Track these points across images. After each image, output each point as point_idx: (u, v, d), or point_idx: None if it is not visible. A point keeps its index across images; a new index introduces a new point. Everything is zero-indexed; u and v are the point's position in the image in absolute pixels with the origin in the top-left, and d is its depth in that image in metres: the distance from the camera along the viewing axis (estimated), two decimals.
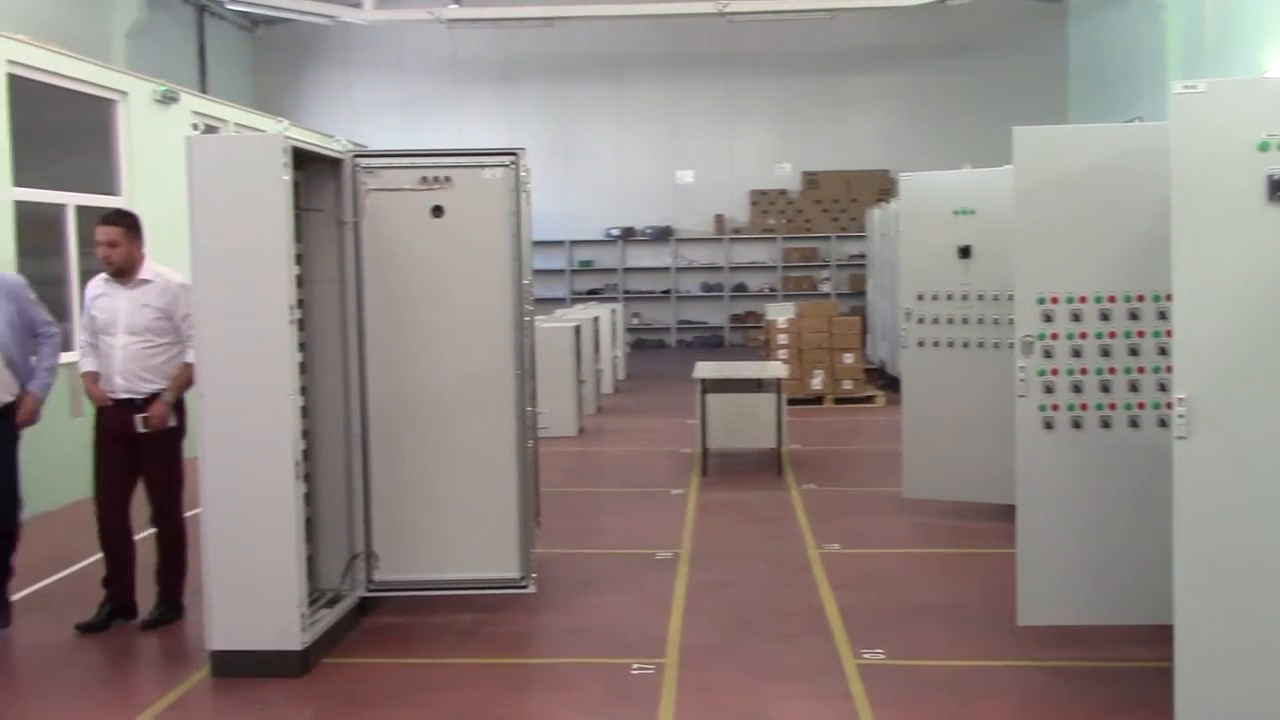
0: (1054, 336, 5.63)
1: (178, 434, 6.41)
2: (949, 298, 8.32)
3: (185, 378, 6.25)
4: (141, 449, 6.31)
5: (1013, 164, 5.69)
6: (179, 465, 6.46)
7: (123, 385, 6.23)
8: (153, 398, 6.25)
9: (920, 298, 8.42)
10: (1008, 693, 5.39)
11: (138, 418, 6.23)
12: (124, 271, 6.26)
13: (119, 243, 6.22)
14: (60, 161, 10.73)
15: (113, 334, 6.22)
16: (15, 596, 6.68)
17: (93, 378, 6.31)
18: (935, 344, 8.39)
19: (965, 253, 8.22)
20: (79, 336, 6.54)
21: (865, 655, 5.78)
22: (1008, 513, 7.78)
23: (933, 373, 8.42)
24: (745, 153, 22.35)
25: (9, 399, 6.16)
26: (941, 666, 5.68)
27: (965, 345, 8.29)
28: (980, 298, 8.21)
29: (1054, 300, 5.62)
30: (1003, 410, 7.02)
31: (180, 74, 16.04)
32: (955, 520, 8.41)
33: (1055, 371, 5.64)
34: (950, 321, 8.33)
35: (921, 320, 8.43)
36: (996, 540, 7.69)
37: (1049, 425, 5.65)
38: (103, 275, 6.33)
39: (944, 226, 8.26)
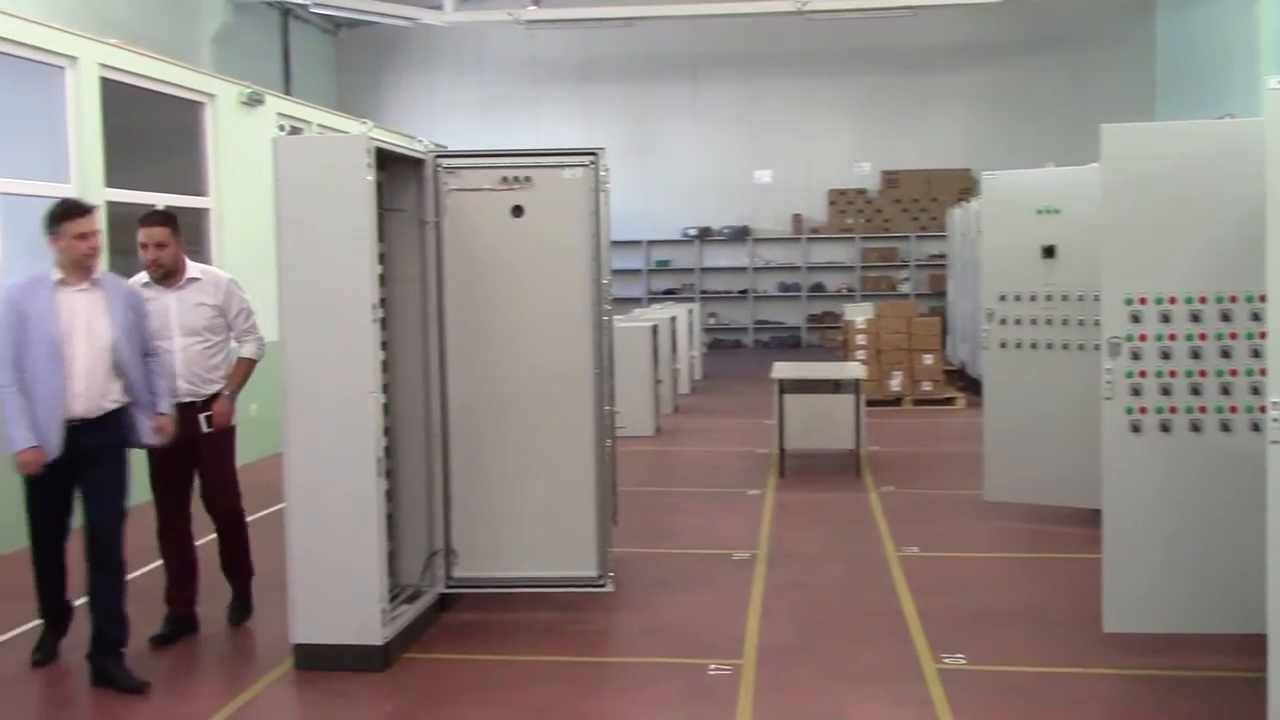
0: (1142, 338, 5.52)
1: (233, 431, 6.40)
2: (1032, 298, 8.19)
3: (244, 373, 6.30)
4: (200, 450, 6.18)
5: (1100, 162, 5.59)
6: (235, 463, 6.48)
7: (186, 389, 6.06)
8: (212, 398, 6.17)
9: (1003, 298, 8.31)
10: (1092, 701, 5.29)
11: (202, 418, 6.11)
12: (171, 273, 6.11)
13: (167, 243, 6.06)
14: (150, 163, 10.96)
15: (167, 337, 5.98)
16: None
17: None
18: (1018, 345, 8.27)
19: (1049, 252, 8.09)
20: None
21: (945, 660, 5.71)
22: (1091, 517, 7.65)
23: (1015, 374, 8.30)
24: (823, 152, 22.20)
25: (111, 407, 5.56)
26: (1023, 673, 5.59)
27: (1049, 346, 8.16)
28: (1064, 298, 8.08)
29: (1142, 301, 5.51)
30: (1087, 413, 6.91)
31: (265, 77, 16.32)
32: (1037, 524, 8.28)
33: (1143, 374, 5.53)
34: (1034, 322, 8.20)
35: (1004, 321, 8.31)
36: (1080, 545, 7.55)
37: (1136, 429, 5.54)
38: (142, 278, 6.07)
39: (1027, 226, 8.13)
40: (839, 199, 22.15)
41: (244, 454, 11.51)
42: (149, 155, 11.04)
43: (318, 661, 5.61)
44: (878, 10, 19.62)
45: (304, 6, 18.28)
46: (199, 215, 11.43)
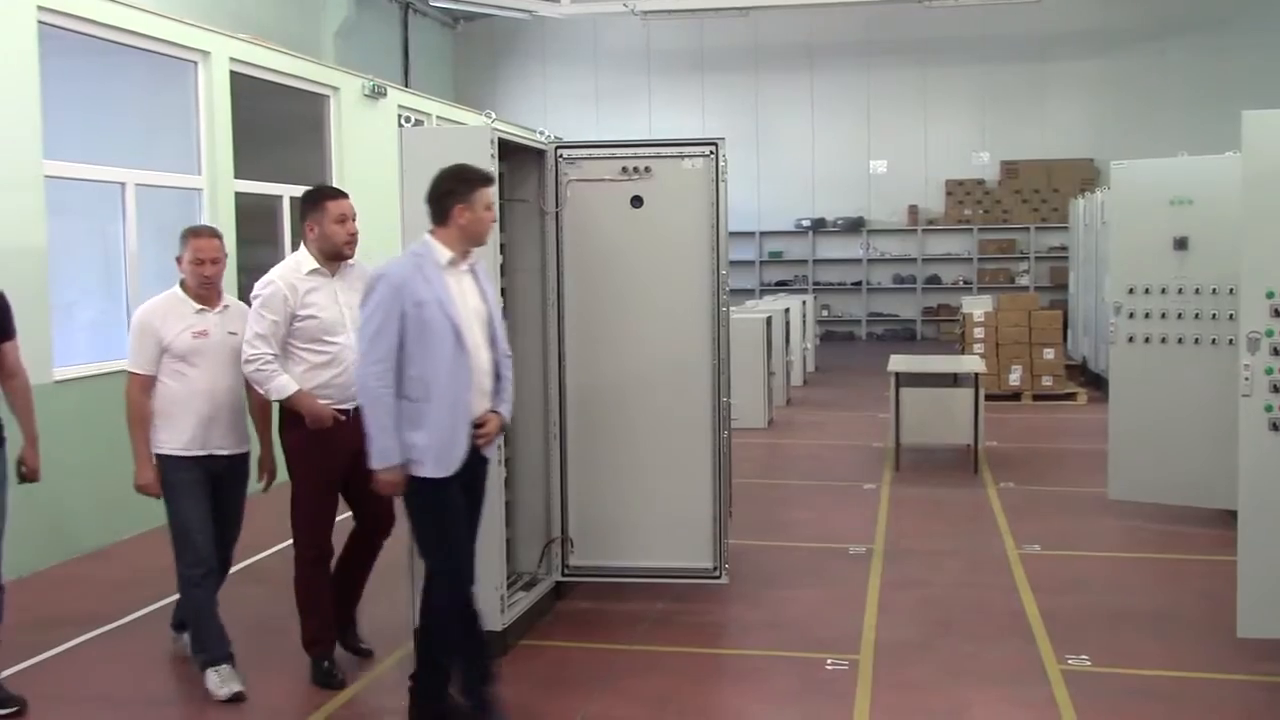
0: None
1: None
2: (1163, 291, 7.96)
3: None
4: (358, 461, 5.21)
5: (1241, 150, 5.39)
6: None
7: None
8: None
9: (1131, 291, 8.08)
10: (1224, 708, 5.13)
11: None
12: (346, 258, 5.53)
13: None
14: (276, 155, 11.23)
15: (339, 334, 5.39)
16: (236, 569, 7.00)
17: (307, 395, 5.31)
18: (1147, 340, 8.04)
19: (1182, 244, 7.85)
20: (251, 349, 5.27)
21: (1070, 661, 5.58)
22: (1223, 518, 7.42)
23: (1144, 370, 8.07)
24: (940, 142, 21.83)
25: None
26: (1152, 676, 5.44)
27: (1180, 341, 7.91)
28: (1197, 291, 7.83)
29: None
30: (1221, 410, 6.70)
31: (385, 70, 16.61)
32: (1165, 524, 8.05)
33: None
34: (1164, 316, 7.96)
35: (1132, 315, 8.08)
36: (1211, 546, 7.33)
37: (1276, 426, 5.34)
38: (308, 268, 5.40)
39: (1159, 217, 7.90)
40: (956, 189, 21.77)
41: None
42: (275, 147, 11.31)
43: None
44: None
45: (424, 1, 18.54)
46: None
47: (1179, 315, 7.92)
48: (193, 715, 5.26)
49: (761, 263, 22.46)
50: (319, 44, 15.97)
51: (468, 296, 4.71)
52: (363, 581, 5.86)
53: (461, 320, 4.58)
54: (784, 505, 9.07)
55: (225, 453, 5.39)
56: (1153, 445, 7.98)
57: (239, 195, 10.03)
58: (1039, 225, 21.41)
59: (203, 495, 5.32)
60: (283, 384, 5.28)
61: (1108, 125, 20.76)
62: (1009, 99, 21.53)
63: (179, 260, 5.44)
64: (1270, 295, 5.32)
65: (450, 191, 4.69)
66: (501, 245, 5.96)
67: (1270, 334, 5.32)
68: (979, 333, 14.38)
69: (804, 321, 16.60)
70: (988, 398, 11.63)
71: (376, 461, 4.58)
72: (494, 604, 5.61)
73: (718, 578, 6.38)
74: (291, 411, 5.36)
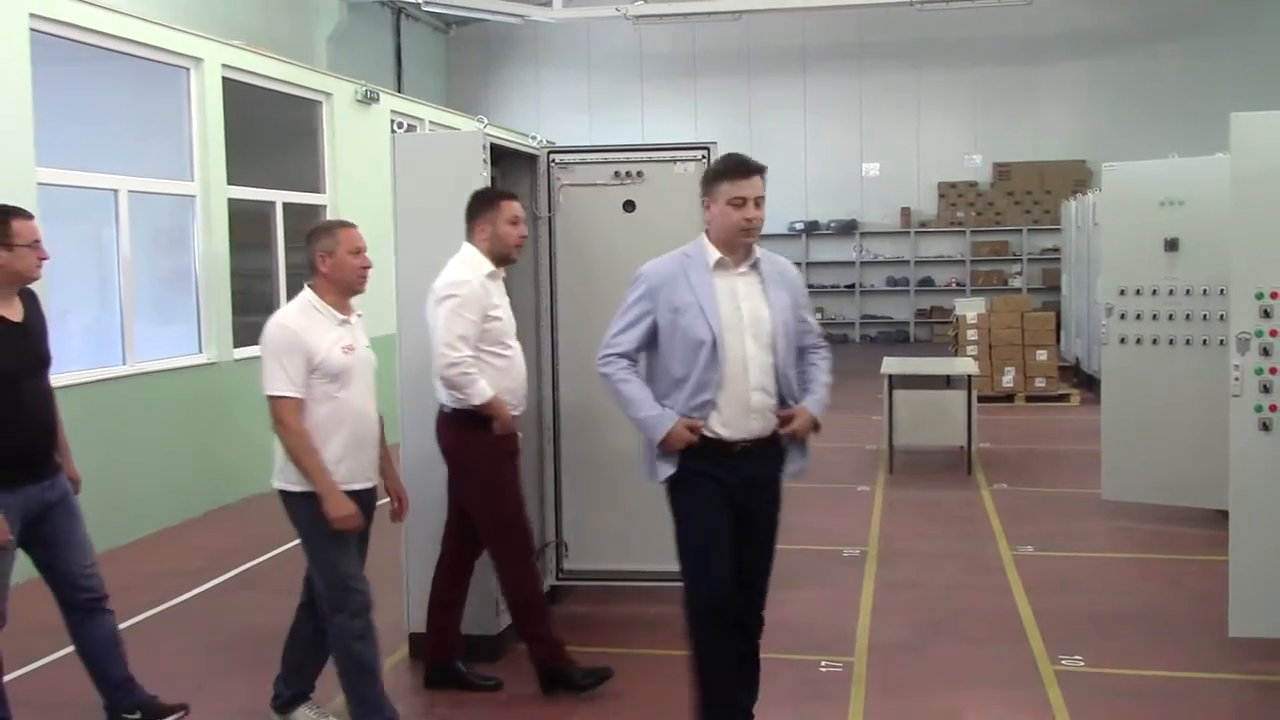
0: (1273, 333, 5.35)
1: None
2: (1154, 292, 8.00)
3: None
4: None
5: (1230, 151, 5.42)
6: None
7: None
8: None
9: (1122, 292, 8.11)
10: (1218, 707, 5.15)
11: None
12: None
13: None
14: (269, 161, 11.23)
15: (513, 338, 5.30)
16: (230, 575, 7.01)
17: (500, 399, 5.12)
18: (1138, 341, 8.07)
19: (1172, 245, 7.88)
20: (454, 352, 5.00)
21: (1063, 662, 5.60)
22: (1214, 518, 7.45)
23: (1135, 370, 8.10)
24: (933, 144, 21.85)
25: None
26: (1145, 676, 5.46)
27: (1171, 342, 7.95)
28: (1188, 292, 7.87)
29: (1274, 295, 5.34)
30: (1212, 410, 6.73)
31: (378, 75, 16.61)
32: (1158, 524, 8.07)
33: (1274, 370, 5.35)
34: (1155, 317, 8.00)
35: (1124, 316, 8.12)
36: (1203, 546, 7.35)
37: (1266, 427, 5.37)
38: (485, 271, 5.17)
39: (1149, 218, 7.94)
40: (949, 192, 21.79)
41: None
42: (268, 154, 11.32)
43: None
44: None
45: (416, 5, 18.55)
46: (316, 212, 11.69)
47: (1170, 316, 7.95)
48: None
49: None
50: (311, 50, 15.96)
51: (740, 300, 4.22)
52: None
53: (723, 327, 4.17)
54: None
55: (368, 486, 4.74)
56: (1145, 446, 8.01)
57: (232, 202, 10.03)
58: (1031, 227, 21.44)
59: (354, 535, 4.65)
60: (483, 388, 5.02)
61: (1099, 127, 20.79)
62: (1001, 101, 21.56)
63: (322, 257, 4.64)
64: (1259, 296, 5.35)
65: (706, 185, 4.31)
66: None
67: (1259, 334, 5.35)
68: (972, 334, 14.42)
69: None
70: (981, 399, 11.66)
71: (658, 430, 4.18)
72: (488, 609, 5.62)
73: None
74: (475, 419, 5.10)
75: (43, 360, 4.71)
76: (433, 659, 5.50)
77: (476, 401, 5.03)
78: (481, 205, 5.25)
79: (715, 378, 4.15)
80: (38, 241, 4.60)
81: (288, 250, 11.04)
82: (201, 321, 9.73)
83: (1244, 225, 5.37)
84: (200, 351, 9.67)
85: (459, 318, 4.98)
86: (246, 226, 10.46)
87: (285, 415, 4.45)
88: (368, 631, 4.65)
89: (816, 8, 19.74)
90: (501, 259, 5.25)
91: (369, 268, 4.69)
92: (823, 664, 5.62)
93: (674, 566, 6.25)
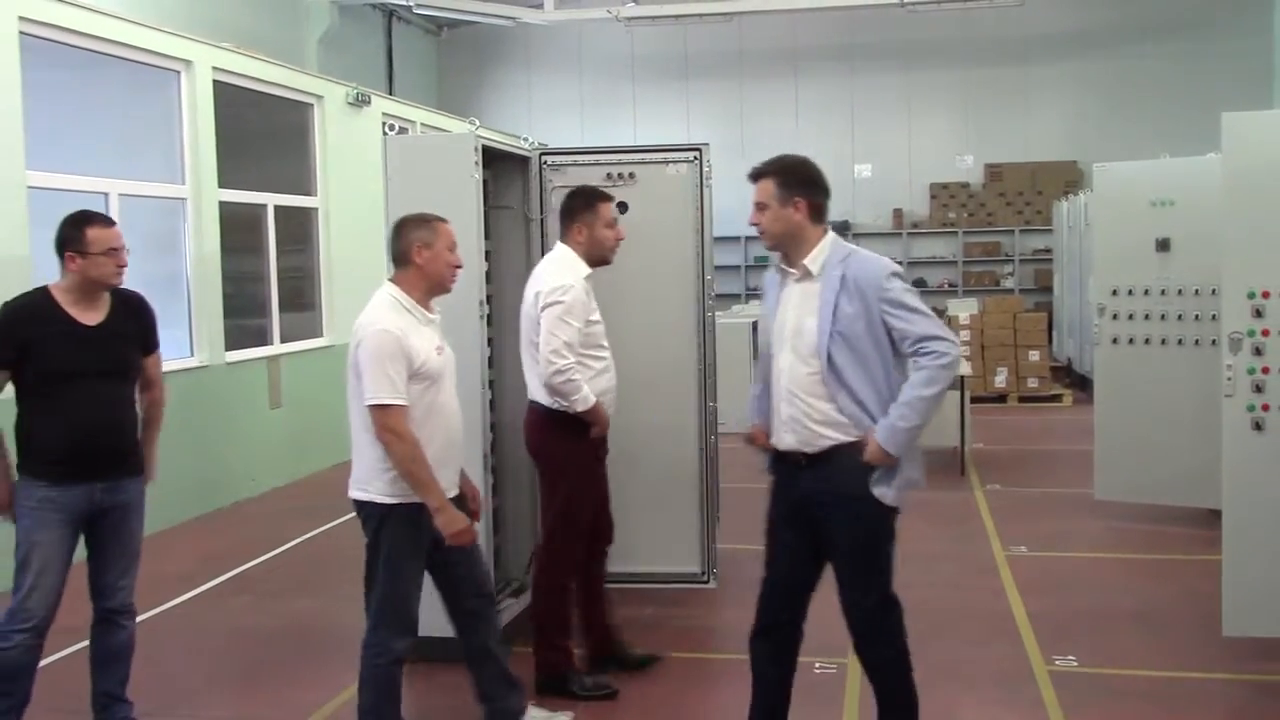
0: (1265, 333, 5.34)
1: None
2: (1145, 292, 8.01)
3: None
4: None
5: (1222, 151, 5.43)
6: None
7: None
8: None
9: (1114, 293, 8.12)
10: (1212, 706, 5.16)
11: None
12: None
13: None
14: (260, 164, 11.21)
15: (606, 341, 5.33)
16: (222, 579, 6.99)
17: (600, 403, 5.17)
18: (1130, 341, 8.08)
19: (1164, 245, 7.89)
20: (561, 360, 5.00)
21: (1057, 662, 5.60)
22: (1207, 518, 7.45)
23: (1128, 370, 8.11)
24: (925, 145, 21.88)
25: (845, 439, 4.10)
26: (1138, 676, 5.46)
27: (1163, 342, 7.96)
28: (1180, 292, 7.88)
29: (1265, 295, 5.33)
30: (1204, 410, 6.74)
31: (369, 77, 16.59)
32: (1151, 524, 8.08)
33: (1266, 370, 5.34)
34: (1147, 317, 8.01)
35: (1116, 316, 8.13)
36: (1196, 546, 7.36)
37: (1259, 426, 5.37)
38: (584, 274, 5.21)
39: (1141, 218, 7.95)
40: (941, 193, 21.82)
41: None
42: (259, 156, 11.30)
43: (424, 653, 5.64)
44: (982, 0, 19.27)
45: (407, 8, 18.52)
46: (307, 215, 11.67)
47: (1162, 316, 7.96)
48: None
49: (747, 267, 22.47)
50: (302, 52, 15.93)
51: (789, 309, 4.15)
52: (603, 592, 5.66)
53: (771, 338, 4.21)
54: None
55: (457, 494, 4.54)
56: (1138, 446, 8.02)
57: (223, 205, 10.01)
58: (1023, 228, 21.48)
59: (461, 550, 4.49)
60: (587, 394, 5.03)
61: (1090, 127, 20.82)
62: (992, 102, 21.59)
63: (419, 249, 4.46)
64: (1251, 295, 5.35)
65: (824, 192, 4.27)
66: (487, 252, 5.97)
67: (1251, 334, 5.35)
68: (965, 335, 14.42)
69: None
70: (974, 400, 11.67)
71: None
72: None
73: (706, 582, 6.39)
74: (569, 420, 5.11)
75: (116, 365, 4.70)
76: (595, 654, 5.57)
77: (580, 408, 5.05)
78: (579, 206, 5.23)
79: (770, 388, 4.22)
80: (116, 249, 4.60)
81: (279, 253, 11.02)
82: (193, 325, 9.70)
83: (1236, 225, 5.38)
84: (192, 355, 9.65)
85: (564, 324, 4.97)
86: (237, 229, 10.43)
87: (399, 424, 4.21)
88: (406, 655, 4.52)
89: (807, 9, 19.75)
90: (598, 261, 5.28)
91: (459, 267, 4.57)
92: (816, 665, 5.61)
93: (674, 568, 6.32)
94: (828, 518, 4.18)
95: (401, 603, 4.42)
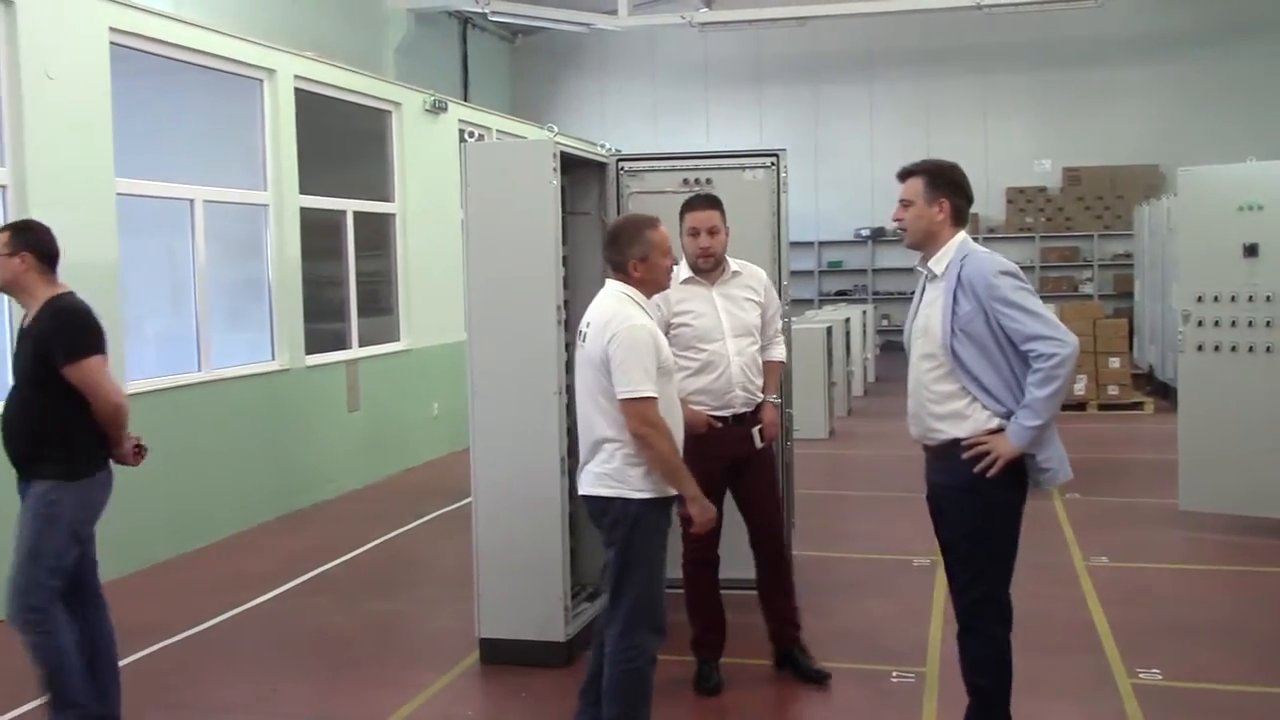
0: None
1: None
2: (1232, 299, 7.85)
3: (779, 377, 5.75)
4: (744, 469, 5.43)
5: None
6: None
7: (743, 398, 5.33)
8: (757, 407, 5.43)
9: (1200, 299, 7.97)
10: None
11: (755, 431, 5.39)
12: (718, 264, 5.43)
13: (719, 229, 5.37)
14: (340, 170, 11.37)
15: (717, 340, 5.30)
16: (302, 579, 7.09)
17: (683, 401, 4.97)
18: (1216, 348, 7.92)
19: (1252, 251, 7.73)
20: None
21: (1140, 675, 5.49)
22: None
23: (1214, 378, 7.95)
24: (1001, 149, 21.62)
25: (960, 435, 4.22)
26: (1225, 691, 5.34)
27: (1251, 350, 7.79)
28: (1268, 299, 7.72)
29: None
30: None
31: (445, 85, 16.76)
32: (1237, 535, 7.90)
33: None
34: (1234, 324, 7.85)
35: (1201, 323, 7.97)
36: None
37: None
38: (684, 276, 5.33)
39: (1228, 223, 7.79)
40: (1018, 197, 21.54)
41: (429, 451, 11.88)
42: (339, 163, 11.46)
43: (502, 656, 5.73)
44: (1059, 2, 18.99)
45: (482, 16, 18.69)
46: (385, 220, 11.81)
47: (1249, 323, 7.80)
48: None
49: (821, 272, 22.36)
50: (380, 60, 16.15)
51: (922, 307, 4.34)
52: (780, 599, 5.63)
53: (911, 333, 4.40)
54: (846, 516, 9.01)
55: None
56: (1224, 455, 7.85)
57: (303, 210, 10.16)
58: (1102, 233, 21.13)
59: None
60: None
61: (1173, 130, 20.43)
62: (1070, 105, 21.27)
63: (635, 265, 4.48)
64: None
65: (967, 197, 4.41)
66: (565, 258, 5.99)
67: None
68: None
69: (864, 331, 16.51)
70: None
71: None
72: (559, 614, 5.64)
73: None
74: None
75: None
76: (782, 648, 5.66)
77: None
78: (681, 213, 5.35)
79: None
80: None
81: (358, 258, 11.17)
82: (274, 329, 9.86)
83: None
84: (273, 358, 9.81)
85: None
86: (318, 235, 10.59)
87: (656, 416, 4.25)
88: (655, 659, 4.46)
89: (882, 13, 19.60)
90: (692, 268, 5.36)
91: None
92: (894, 674, 5.57)
93: (745, 574, 6.28)
94: (944, 509, 4.40)
95: (656, 601, 4.43)
